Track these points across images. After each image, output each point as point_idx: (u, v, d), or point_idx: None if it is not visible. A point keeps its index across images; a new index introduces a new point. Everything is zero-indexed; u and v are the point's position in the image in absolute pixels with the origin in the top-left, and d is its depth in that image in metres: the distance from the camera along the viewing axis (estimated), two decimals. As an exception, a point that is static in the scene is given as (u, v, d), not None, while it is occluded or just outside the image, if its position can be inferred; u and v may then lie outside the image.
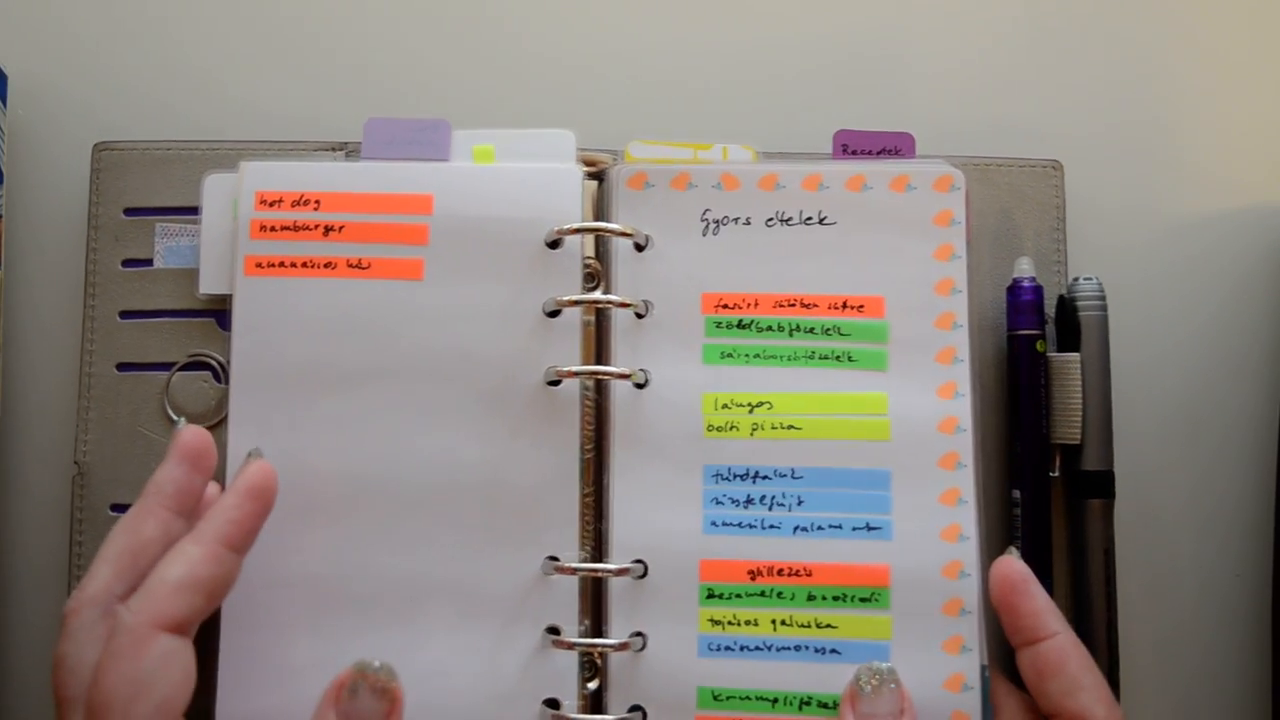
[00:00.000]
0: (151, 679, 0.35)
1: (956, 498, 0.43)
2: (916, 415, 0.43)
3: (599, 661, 0.43)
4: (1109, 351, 0.45)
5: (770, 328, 0.44)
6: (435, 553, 0.43)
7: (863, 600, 0.42)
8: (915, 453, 0.43)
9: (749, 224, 0.44)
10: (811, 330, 0.44)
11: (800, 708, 0.42)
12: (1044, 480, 0.45)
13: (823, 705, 0.42)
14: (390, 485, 0.43)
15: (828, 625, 0.42)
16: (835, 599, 0.42)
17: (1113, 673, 0.44)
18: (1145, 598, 0.46)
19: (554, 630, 0.43)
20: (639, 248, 0.44)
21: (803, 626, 0.42)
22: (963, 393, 0.43)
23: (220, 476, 0.43)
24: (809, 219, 0.44)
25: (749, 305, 0.44)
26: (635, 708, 0.42)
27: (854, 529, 0.43)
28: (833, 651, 0.42)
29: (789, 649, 0.42)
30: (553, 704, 0.42)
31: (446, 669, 0.42)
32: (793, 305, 0.44)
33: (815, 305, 0.44)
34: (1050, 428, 0.45)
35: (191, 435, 0.39)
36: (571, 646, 0.42)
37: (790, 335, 0.44)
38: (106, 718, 0.34)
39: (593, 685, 0.43)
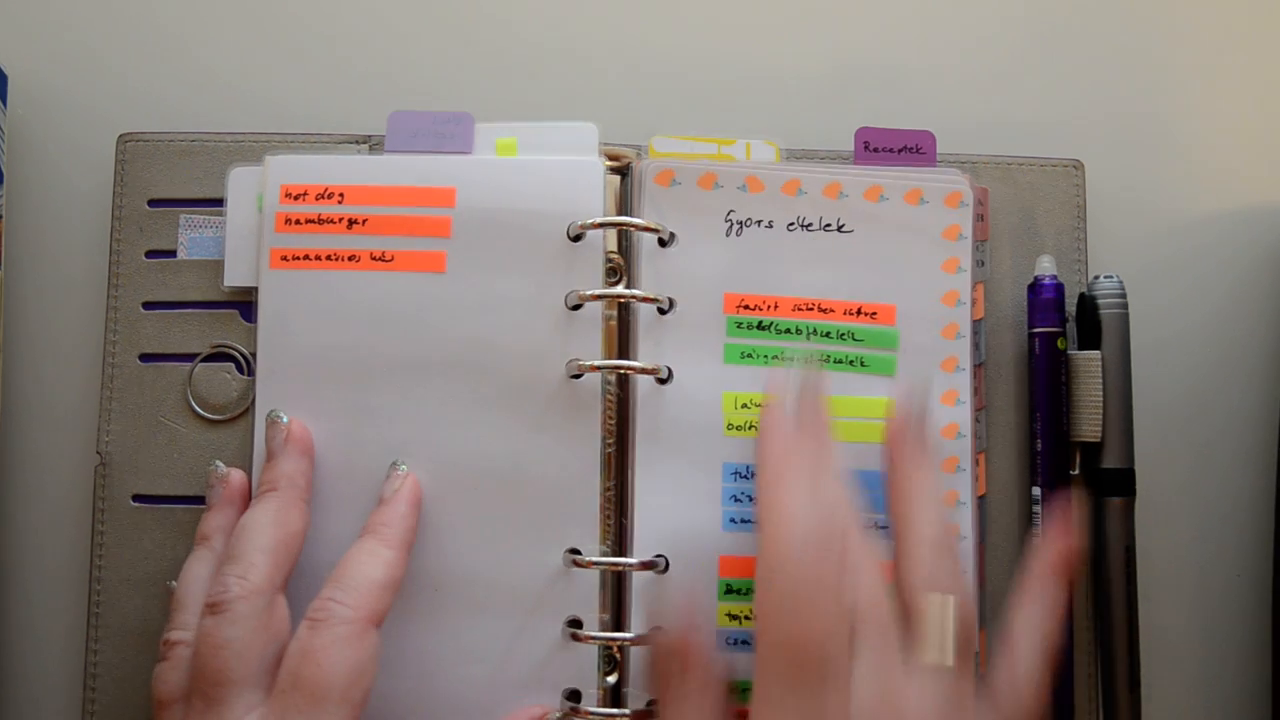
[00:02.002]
0: (367, 668, 0.38)
1: (955, 500, 0.45)
2: None
3: (618, 655, 0.43)
4: (1130, 350, 0.46)
5: (788, 330, 0.45)
6: (457, 544, 0.44)
7: None
8: None
9: (771, 227, 0.45)
10: (827, 334, 0.45)
11: None
12: (1064, 478, 0.45)
13: None
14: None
15: None
16: None
17: (1133, 672, 0.45)
18: (1144, 597, 0.47)
19: (575, 623, 0.43)
20: (662, 243, 0.45)
21: None
22: (963, 400, 0.45)
23: (246, 467, 0.44)
24: (828, 226, 0.45)
25: (769, 307, 0.45)
26: (654, 701, 0.43)
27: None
28: None
29: None
30: (573, 696, 0.43)
31: (467, 660, 0.43)
32: (810, 309, 0.45)
33: (831, 310, 0.45)
34: (1071, 425, 0.46)
35: (302, 428, 0.43)
36: (592, 640, 0.43)
37: (807, 339, 0.45)
38: (325, 698, 0.37)
39: (612, 679, 0.43)
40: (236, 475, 0.44)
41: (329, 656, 0.37)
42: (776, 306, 0.45)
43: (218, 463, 0.44)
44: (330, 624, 0.38)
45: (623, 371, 0.44)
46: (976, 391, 0.46)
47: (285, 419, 0.43)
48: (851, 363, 0.45)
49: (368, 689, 0.38)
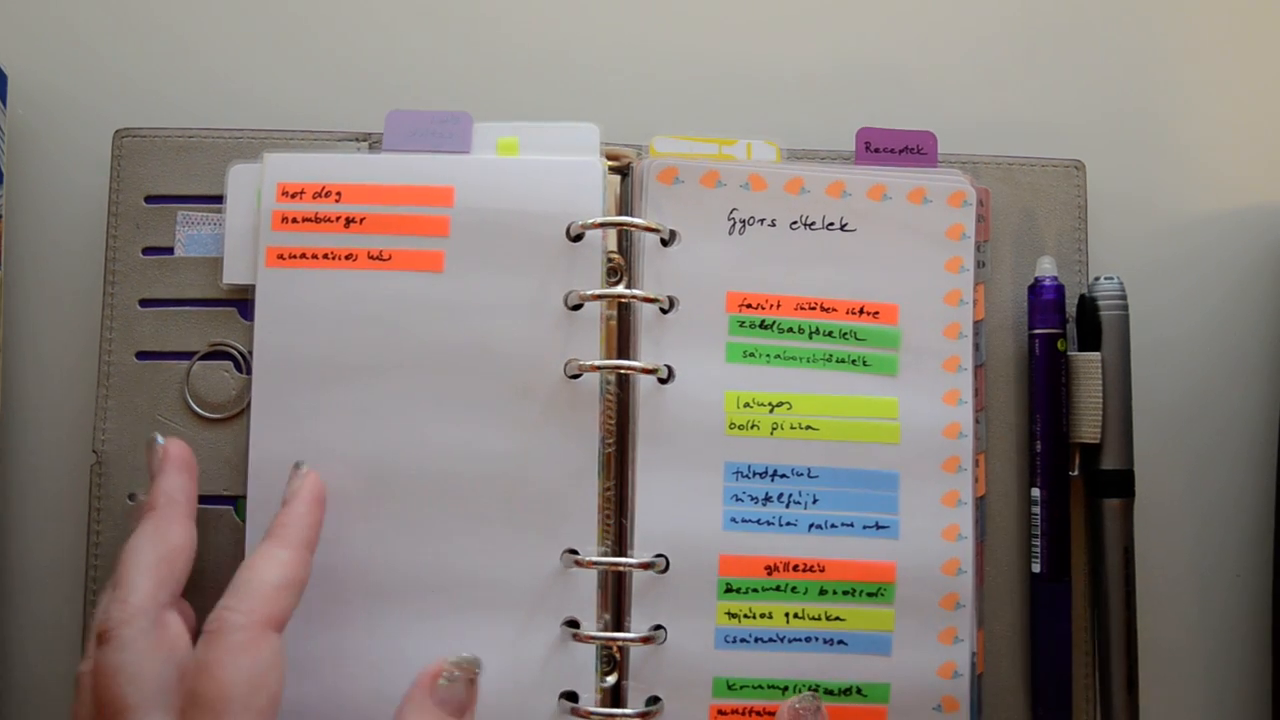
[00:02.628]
0: (267, 674, 0.37)
1: (956, 499, 0.45)
2: (924, 420, 0.45)
3: (617, 656, 0.43)
4: (1129, 351, 0.46)
5: (791, 329, 0.45)
6: (454, 544, 0.44)
7: (870, 595, 0.44)
8: (922, 456, 0.45)
9: (774, 225, 0.45)
10: (830, 334, 0.45)
11: None
12: (1063, 479, 0.46)
13: (829, 693, 0.44)
14: (410, 476, 0.44)
15: (836, 618, 0.44)
16: (845, 593, 0.44)
17: (1131, 672, 0.45)
18: (1144, 597, 0.47)
19: (573, 623, 0.43)
20: (664, 243, 0.45)
21: (814, 619, 0.44)
22: (965, 400, 0.45)
23: (242, 466, 0.44)
24: (831, 225, 0.46)
25: (772, 306, 0.45)
26: (652, 699, 0.43)
27: (864, 527, 0.44)
28: (840, 643, 0.44)
29: (800, 640, 0.44)
30: (571, 697, 0.43)
31: (465, 659, 0.43)
32: (813, 308, 0.45)
33: (834, 309, 0.45)
34: (1070, 427, 0.46)
35: (181, 447, 0.43)
36: (592, 640, 0.43)
37: (810, 338, 0.45)
38: (225, 711, 0.36)
39: (611, 679, 0.43)
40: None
41: (224, 667, 0.36)
42: (779, 305, 0.45)
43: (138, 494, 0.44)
44: (224, 633, 0.37)
45: (623, 371, 0.44)
46: (977, 392, 0.46)
47: (161, 440, 0.43)
48: (854, 362, 0.45)
49: (274, 694, 0.37)
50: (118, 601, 0.38)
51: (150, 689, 0.36)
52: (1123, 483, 0.46)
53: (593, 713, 0.43)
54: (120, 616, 0.37)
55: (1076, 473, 0.46)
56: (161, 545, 0.39)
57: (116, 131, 0.47)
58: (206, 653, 0.37)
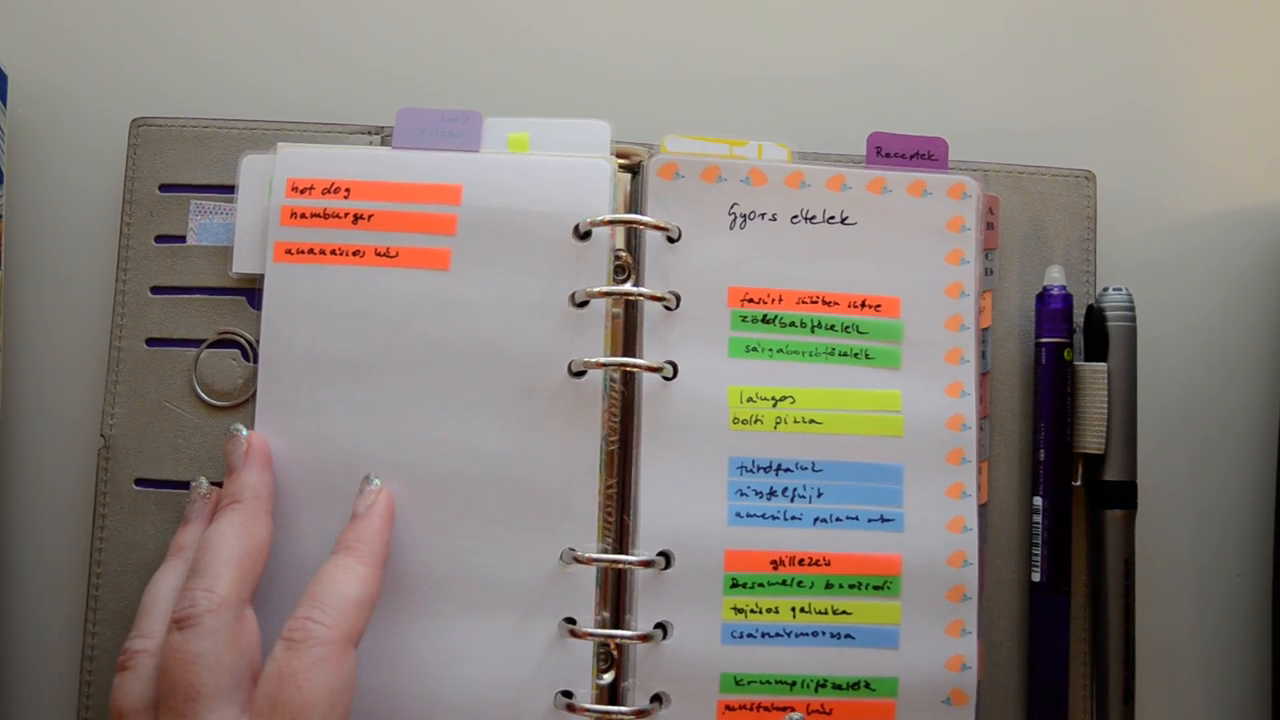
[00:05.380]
0: (346, 688, 0.38)
1: (961, 491, 0.45)
2: (927, 413, 0.45)
3: (615, 654, 0.43)
4: (1136, 363, 0.46)
5: (793, 323, 0.45)
6: (455, 540, 0.44)
7: (876, 588, 0.44)
8: (926, 449, 0.45)
9: (775, 220, 0.45)
10: (832, 327, 0.45)
11: (816, 689, 0.44)
12: (1066, 489, 0.45)
13: (837, 687, 0.44)
14: (412, 472, 0.44)
15: (843, 612, 0.44)
16: (851, 587, 0.44)
17: (1128, 684, 0.45)
18: (1144, 599, 0.47)
19: (572, 621, 0.43)
20: (671, 240, 0.45)
21: (820, 613, 0.44)
22: (968, 392, 0.45)
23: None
24: (831, 218, 0.46)
25: (774, 300, 0.45)
26: (656, 697, 0.43)
27: (869, 521, 0.44)
28: (847, 636, 0.44)
29: (807, 635, 0.44)
30: (568, 694, 0.43)
31: (463, 656, 0.43)
32: (815, 302, 0.45)
33: (836, 303, 0.45)
34: (1074, 437, 0.45)
35: (263, 441, 0.43)
36: (589, 637, 0.43)
37: (812, 331, 0.45)
38: None
39: (608, 677, 0.43)
40: (218, 493, 0.43)
41: (309, 680, 0.37)
42: (781, 299, 0.45)
43: (201, 479, 0.44)
44: (309, 645, 0.37)
45: (627, 369, 0.44)
46: (982, 400, 0.46)
47: (244, 432, 0.43)
48: (857, 355, 0.45)
49: (348, 708, 0.38)
50: (203, 590, 0.38)
51: (226, 680, 0.37)
52: (1125, 494, 0.46)
53: (588, 710, 0.43)
54: (207, 605, 0.38)
55: (1079, 483, 0.46)
56: (247, 540, 0.40)
57: (133, 120, 0.47)
58: (290, 661, 0.37)
